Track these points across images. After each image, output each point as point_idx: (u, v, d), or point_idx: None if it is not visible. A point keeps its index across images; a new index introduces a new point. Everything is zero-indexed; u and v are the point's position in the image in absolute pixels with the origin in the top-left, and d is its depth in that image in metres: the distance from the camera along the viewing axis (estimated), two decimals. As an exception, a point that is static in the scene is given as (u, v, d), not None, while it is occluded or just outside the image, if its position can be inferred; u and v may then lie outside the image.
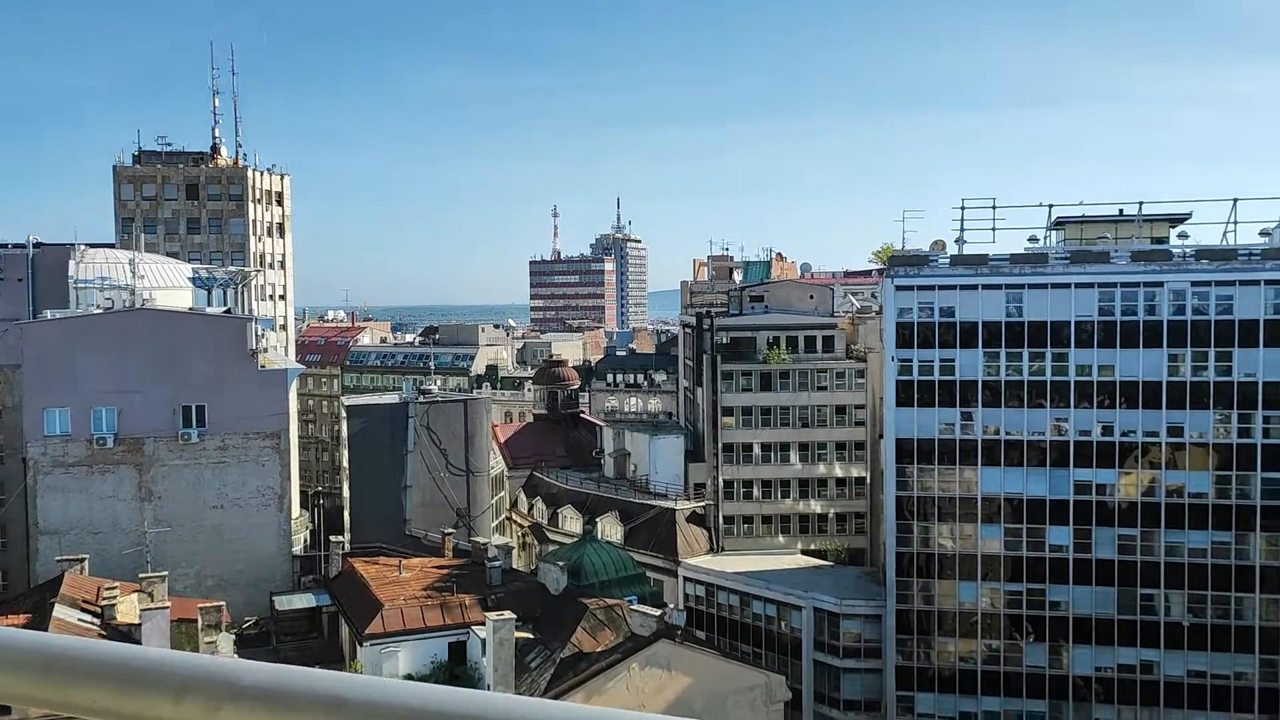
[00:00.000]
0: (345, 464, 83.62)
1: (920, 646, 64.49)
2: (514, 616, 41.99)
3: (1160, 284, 60.88)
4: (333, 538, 58.44)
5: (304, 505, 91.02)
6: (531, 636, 44.52)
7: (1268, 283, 59.30)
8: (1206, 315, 60.24)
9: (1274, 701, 59.66)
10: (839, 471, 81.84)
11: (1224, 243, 64.06)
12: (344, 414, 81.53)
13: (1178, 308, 60.63)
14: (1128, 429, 61.66)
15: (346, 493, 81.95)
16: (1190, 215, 67.49)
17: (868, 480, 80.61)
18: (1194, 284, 60.41)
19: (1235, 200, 65.91)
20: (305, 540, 77.18)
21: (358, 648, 45.39)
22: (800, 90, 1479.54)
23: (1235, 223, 65.20)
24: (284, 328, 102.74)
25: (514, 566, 60.59)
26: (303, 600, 51.99)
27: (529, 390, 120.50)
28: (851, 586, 68.93)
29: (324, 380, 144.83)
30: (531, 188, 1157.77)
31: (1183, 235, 66.48)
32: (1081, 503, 62.24)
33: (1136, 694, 61.67)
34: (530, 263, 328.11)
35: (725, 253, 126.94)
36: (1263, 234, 66.54)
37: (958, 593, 64.06)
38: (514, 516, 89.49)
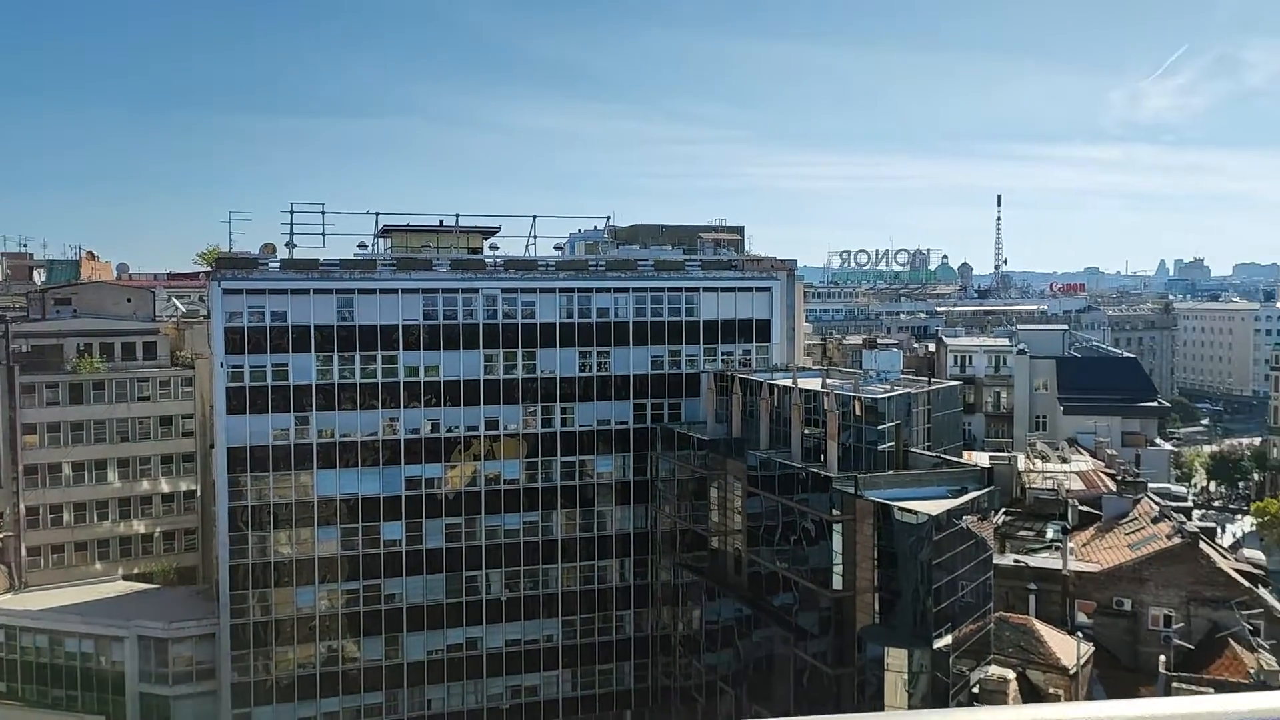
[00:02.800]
0: None
1: (259, 660, 62.77)
2: None
3: (476, 290, 66.48)
4: None
5: None
6: None
7: (561, 290, 67.94)
8: (515, 319, 67.13)
9: (574, 656, 68.61)
10: (165, 487, 76.42)
11: (527, 254, 72.02)
12: None
13: (491, 312, 66.73)
14: (452, 425, 66.31)
15: None
16: (500, 229, 74.73)
17: (199, 493, 76.39)
18: (504, 291, 66.97)
19: (535, 218, 74.88)
20: None
21: None
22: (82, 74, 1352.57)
23: (535, 237, 73.83)
24: None
25: None
26: None
27: None
28: (182, 608, 64.80)
29: None
30: None
31: (494, 246, 73.33)
32: (413, 497, 65.53)
33: (463, 669, 66.68)
34: None
35: (24, 249, 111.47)
36: (556, 248, 76.15)
37: (295, 599, 63.55)
38: None
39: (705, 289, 70.11)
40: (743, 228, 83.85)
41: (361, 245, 70.09)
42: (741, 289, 70.71)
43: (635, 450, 68.67)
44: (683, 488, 64.71)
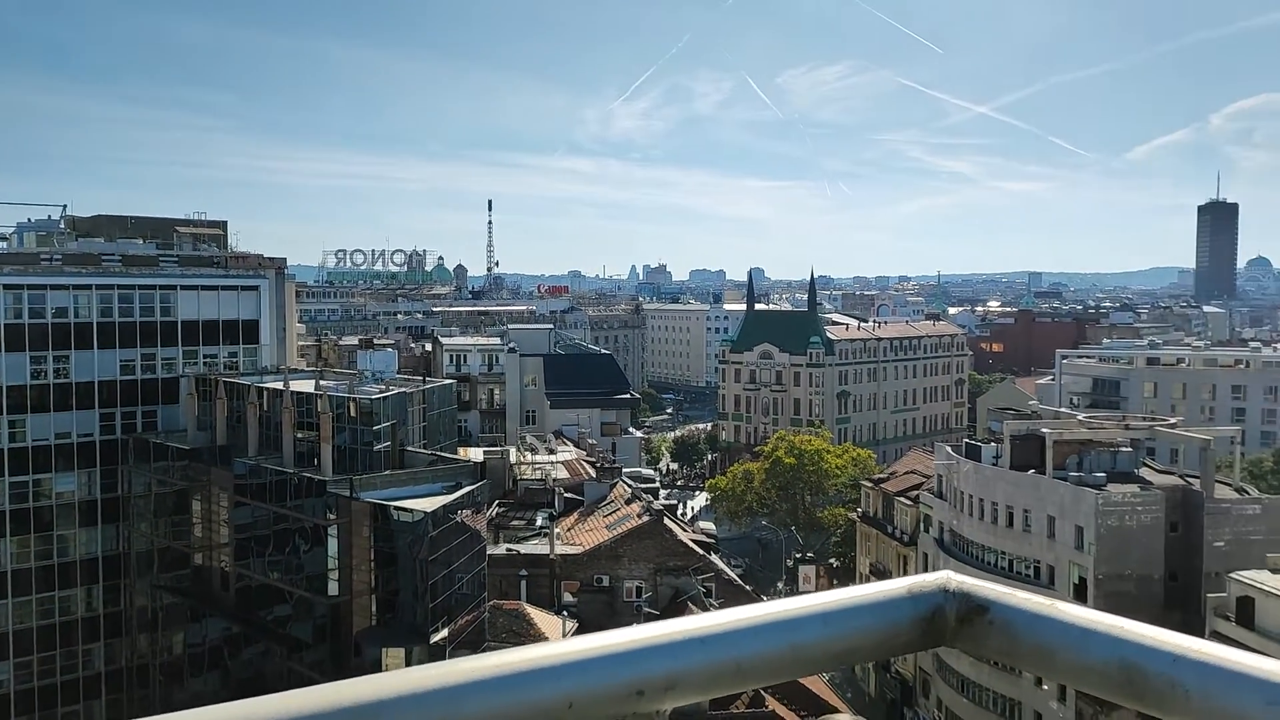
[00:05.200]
0: None
1: None
2: None
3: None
4: None
5: None
6: None
7: (6, 288, 59.12)
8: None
9: (31, 701, 60.02)
10: None
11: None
12: None
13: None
14: None
15: None
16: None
17: None
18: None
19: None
20: None
21: None
22: None
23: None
24: None
25: None
26: None
27: None
28: None
29: None
30: None
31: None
32: None
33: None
34: None
35: None
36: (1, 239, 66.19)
37: None
38: None
39: (184, 287, 64.83)
40: (225, 222, 78.73)
41: None
42: (226, 287, 66.40)
43: (103, 465, 61.67)
44: (161, 502, 59.44)
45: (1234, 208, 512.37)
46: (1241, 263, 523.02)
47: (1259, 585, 40.33)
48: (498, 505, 59.90)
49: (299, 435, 52.72)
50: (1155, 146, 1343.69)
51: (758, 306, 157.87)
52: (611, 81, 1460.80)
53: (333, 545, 46.37)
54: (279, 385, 55.09)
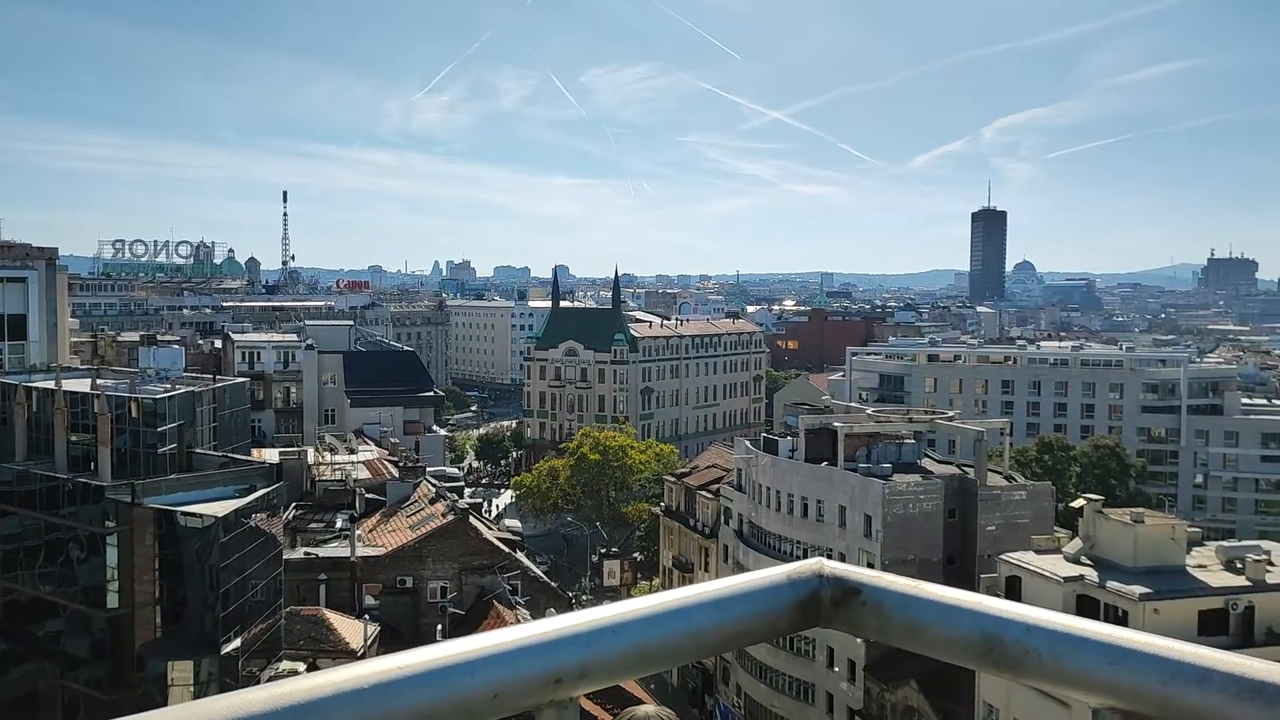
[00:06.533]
0: None
1: None
2: None
3: None
4: None
5: None
6: None
7: None
8: None
9: None
10: None
11: None
12: None
13: None
14: None
15: None
16: None
17: None
18: None
19: None
20: None
21: None
22: None
23: None
24: None
25: None
26: None
27: None
28: None
29: None
30: None
31: None
32: None
33: None
34: None
35: None
36: None
37: None
38: None
39: (-62, 277, 59.29)
40: (-13, 208, 72.43)
41: None
42: (-12, 278, 61.13)
43: None
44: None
45: (1003, 215, 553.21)
46: (1010, 266, 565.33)
47: (1025, 565, 43.67)
48: (295, 508, 57.77)
49: (74, 438, 49.12)
50: (934, 156, 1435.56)
51: (563, 304, 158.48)
52: (414, 73, 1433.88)
53: (112, 555, 43.44)
54: (50, 384, 51.17)
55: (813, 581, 1.89)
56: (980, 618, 1.75)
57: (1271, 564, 41.74)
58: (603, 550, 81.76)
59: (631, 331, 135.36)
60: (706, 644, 1.81)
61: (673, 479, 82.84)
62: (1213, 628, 38.61)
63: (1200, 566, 41.72)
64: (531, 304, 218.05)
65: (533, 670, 1.63)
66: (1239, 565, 41.30)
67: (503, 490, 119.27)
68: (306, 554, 52.26)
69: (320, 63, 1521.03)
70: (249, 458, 54.33)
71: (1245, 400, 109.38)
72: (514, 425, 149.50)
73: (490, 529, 60.41)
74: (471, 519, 56.11)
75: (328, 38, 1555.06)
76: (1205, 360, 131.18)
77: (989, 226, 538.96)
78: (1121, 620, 37.53)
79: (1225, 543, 47.78)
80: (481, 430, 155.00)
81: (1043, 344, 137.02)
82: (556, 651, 1.65)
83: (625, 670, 1.73)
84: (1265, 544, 47.04)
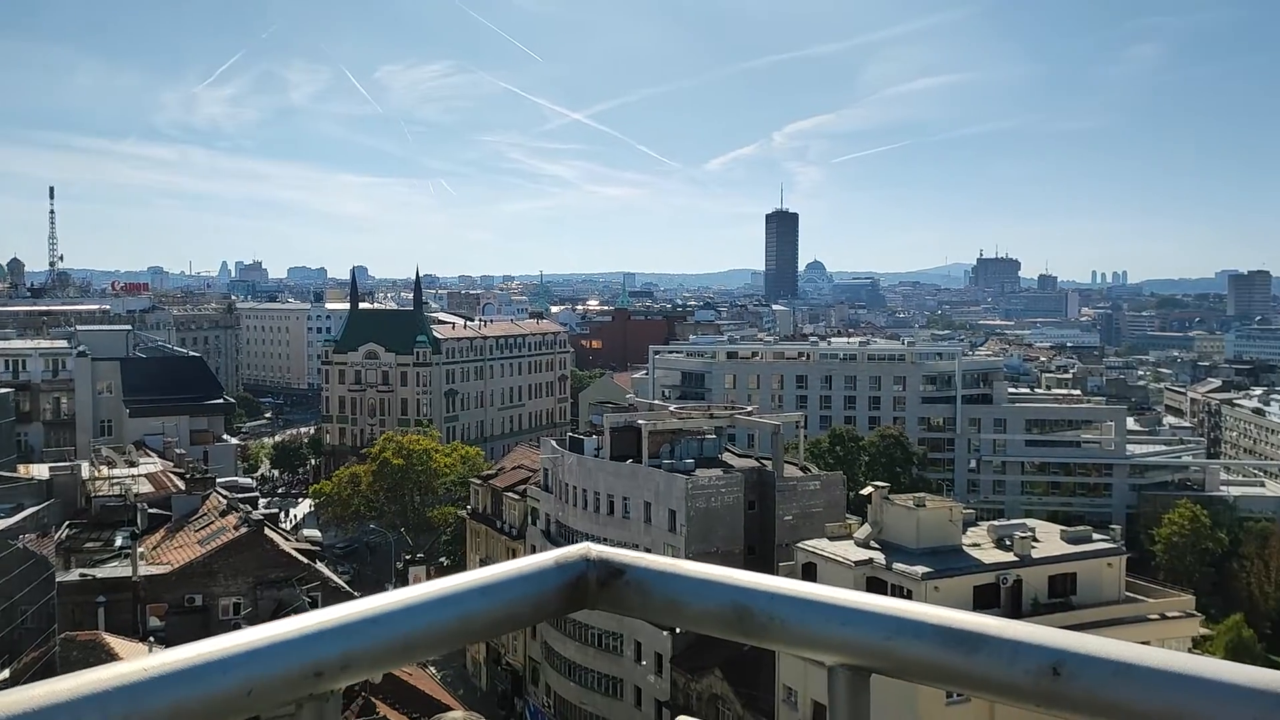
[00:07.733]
0: None
1: None
2: None
3: None
4: None
5: None
6: None
7: None
8: None
9: None
10: None
11: None
12: None
13: None
14: None
15: None
16: None
17: None
18: None
19: None
20: None
21: None
22: None
23: None
24: None
25: None
26: None
27: None
28: None
29: None
30: None
31: None
32: None
33: None
34: None
35: None
36: None
37: None
38: None
39: None
40: None
41: None
42: None
43: None
44: None
45: (795, 217, 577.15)
46: (802, 266, 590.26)
47: (819, 552, 45.75)
48: (69, 526, 53.80)
49: None
50: (729, 159, 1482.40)
51: (362, 305, 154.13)
52: (195, 64, 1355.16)
53: None
54: None
55: (580, 565, 1.96)
56: (731, 590, 1.87)
57: (1036, 540, 45.38)
58: (408, 557, 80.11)
59: (434, 333, 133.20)
60: (476, 629, 1.84)
61: (479, 481, 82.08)
62: (986, 600, 41.62)
63: (975, 545, 44.88)
64: (329, 306, 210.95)
65: (290, 665, 1.61)
66: (1008, 543, 44.68)
67: (301, 499, 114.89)
68: (83, 575, 48.73)
69: (86, 51, 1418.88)
70: (15, 474, 50.28)
71: (1011, 389, 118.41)
72: (312, 431, 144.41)
73: (288, 540, 58.09)
74: (267, 530, 53.79)
75: (92, 21, 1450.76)
76: (976, 353, 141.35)
77: (782, 228, 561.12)
78: (907, 598, 39.87)
79: (996, 522, 51.53)
80: (277, 438, 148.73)
81: (833, 340, 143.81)
82: (316, 644, 1.63)
83: (390, 659, 1.74)
84: (1030, 522, 51.17)
